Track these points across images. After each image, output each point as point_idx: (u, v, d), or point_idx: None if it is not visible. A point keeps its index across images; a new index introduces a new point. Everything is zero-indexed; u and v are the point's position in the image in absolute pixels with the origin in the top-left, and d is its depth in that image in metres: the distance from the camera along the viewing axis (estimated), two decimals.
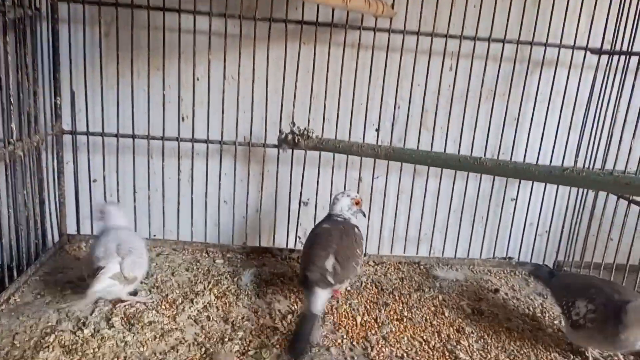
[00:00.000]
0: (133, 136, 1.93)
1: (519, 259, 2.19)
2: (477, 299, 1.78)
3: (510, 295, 1.84)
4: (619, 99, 1.86)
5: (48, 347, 1.34)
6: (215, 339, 1.43)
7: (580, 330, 1.45)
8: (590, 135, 1.99)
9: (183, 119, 1.99)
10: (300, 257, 1.74)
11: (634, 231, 1.77)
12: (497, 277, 2.00)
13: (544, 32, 1.93)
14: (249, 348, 1.41)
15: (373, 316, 1.61)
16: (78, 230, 2.01)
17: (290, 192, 2.04)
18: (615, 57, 1.90)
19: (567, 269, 2.08)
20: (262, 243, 2.13)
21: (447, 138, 2.03)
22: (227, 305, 1.61)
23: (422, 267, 2.02)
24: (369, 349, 1.45)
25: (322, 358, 1.40)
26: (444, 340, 1.52)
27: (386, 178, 2.06)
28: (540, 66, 1.98)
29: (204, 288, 1.70)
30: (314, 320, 1.45)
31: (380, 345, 1.47)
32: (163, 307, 1.56)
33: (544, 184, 2.04)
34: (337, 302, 1.67)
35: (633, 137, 1.76)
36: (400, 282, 1.86)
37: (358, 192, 1.83)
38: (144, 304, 1.57)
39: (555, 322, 1.68)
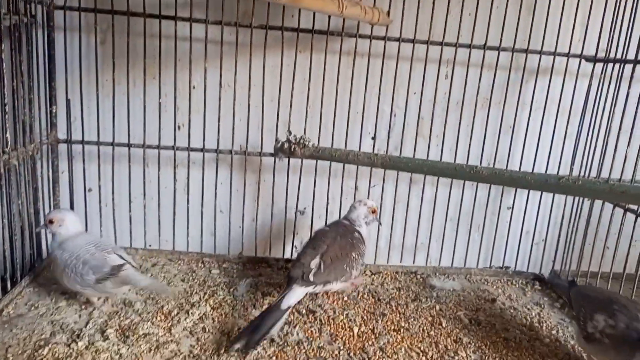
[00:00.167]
0: (129, 145, 1.92)
1: (515, 268, 2.19)
2: (475, 309, 1.78)
3: (507, 304, 1.84)
4: (614, 107, 1.87)
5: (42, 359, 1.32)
6: (211, 351, 1.42)
7: (593, 343, 1.41)
8: (586, 144, 2.00)
9: (179, 127, 1.98)
10: None
11: (630, 239, 1.76)
12: (494, 287, 1.99)
13: (538, 40, 1.94)
14: None
15: (370, 327, 1.60)
16: None
17: (286, 202, 2.04)
18: (610, 65, 1.91)
19: (564, 278, 2.07)
20: (258, 253, 2.12)
21: (443, 146, 2.04)
22: (223, 316, 1.59)
23: (419, 276, 2.02)
24: None
25: None
26: (442, 351, 1.51)
27: (382, 187, 2.06)
28: (536, 74, 1.99)
29: (200, 299, 1.68)
30: (280, 315, 1.49)
31: (377, 357, 1.45)
32: (158, 318, 1.55)
33: (540, 192, 2.03)
34: (334, 312, 1.65)
35: (628, 145, 1.76)
36: (397, 292, 1.85)
37: (370, 200, 1.84)
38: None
39: (553, 332, 1.68)
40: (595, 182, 1.41)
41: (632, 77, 1.77)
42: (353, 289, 1.77)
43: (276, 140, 1.89)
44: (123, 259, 1.56)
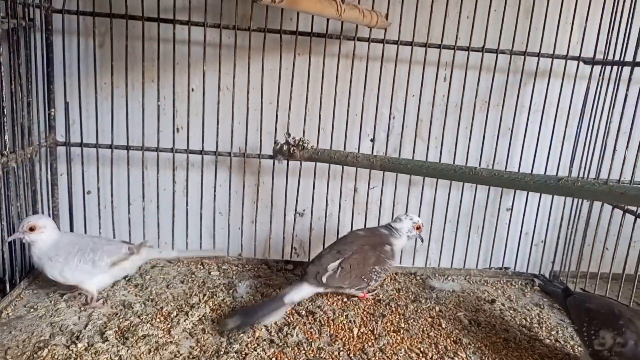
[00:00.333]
0: (127, 147, 1.92)
1: (515, 269, 2.19)
2: (474, 310, 1.78)
3: (507, 305, 1.84)
4: (612, 109, 1.88)
5: None
6: (210, 353, 1.42)
7: None
8: (585, 145, 2.00)
9: (178, 130, 1.99)
10: None
11: (629, 240, 1.77)
12: (494, 288, 1.99)
13: (537, 43, 1.95)
14: None
15: (370, 328, 1.61)
16: None
17: (285, 203, 2.04)
18: (608, 67, 1.92)
19: (564, 279, 2.08)
20: (257, 254, 2.13)
21: (442, 148, 2.04)
22: (223, 317, 1.60)
23: (418, 277, 2.02)
24: None
25: None
26: (442, 352, 1.51)
27: (382, 188, 2.06)
28: (534, 76, 2.00)
29: (199, 300, 1.69)
30: (280, 306, 1.56)
31: (377, 358, 1.46)
32: (158, 320, 1.55)
33: (539, 194, 2.04)
34: (334, 313, 1.66)
35: (627, 146, 1.77)
36: (397, 293, 1.86)
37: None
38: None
39: (552, 332, 1.68)
40: (594, 183, 1.42)
41: (630, 79, 1.78)
42: (362, 297, 1.78)
43: (275, 142, 1.90)
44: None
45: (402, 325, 1.64)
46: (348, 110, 1.95)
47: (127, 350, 1.39)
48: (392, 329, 1.61)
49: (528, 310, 1.82)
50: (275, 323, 1.58)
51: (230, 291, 1.77)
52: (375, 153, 2.01)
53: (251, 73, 1.88)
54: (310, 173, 2.00)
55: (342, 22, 1.85)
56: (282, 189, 2.02)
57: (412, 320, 1.67)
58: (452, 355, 1.50)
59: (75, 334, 1.45)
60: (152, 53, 1.87)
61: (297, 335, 1.53)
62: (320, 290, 1.68)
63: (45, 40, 1.82)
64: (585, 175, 1.99)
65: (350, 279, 1.68)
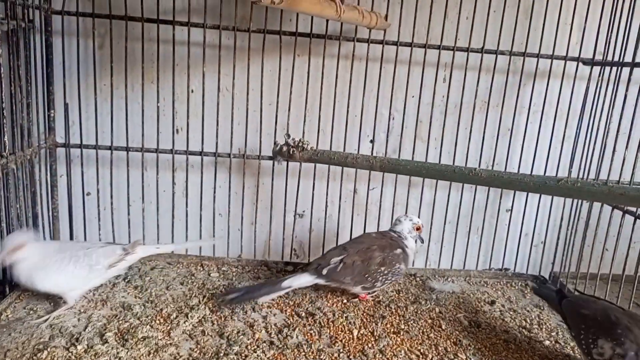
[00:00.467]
0: (127, 149, 1.92)
1: (515, 270, 2.19)
2: (474, 311, 1.78)
3: (507, 307, 1.84)
4: (612, 109, 1.87)
5: None
6: (210, 354, 1.42)
7: None
8: (584, 146, 2.00)
9: (177, 131, 1.99)
10: None
11: (629, 241, 1.77)
12: (494, 289, 1.99)
13: (536, 43, 1.95)
14: None
15: (370, 329, 1.60)
16: None
17: (285, 205, 2.04)
18: (607, 68, 1.92)
19: (564, 280, 2.08)
20: (257, 256, 2.13)
21: (441, 149, 2.04)
22: (223, 319, 1.59)
23: (418, 279, 2.02)
24: None
25: None
26: (442, 354, 1.51)
27: (381, 189, 2.06)
28: (533, 77, 2.00)
29: (199, 302, 1.68)
30: (276, 290, 1.66)
31: (377, 359, 1.46)
32: (157, 321, 1.55)
33: (538, 194, 2.03)
34: (334, 315, 1.66)
35: (626, 147, 1.77)
36: (397, 295, 1.86)
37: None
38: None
39: (553, 334, 1.68)
40: (594, 184, 1.42)
41: (629, 79, 1.77)
42: (362, 299, 1.78)
43: (275, 143, 1.90)
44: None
45: (402, 326, 1.64)
46: (347, 111, 1.95)
47: (127, 352, 1.39)
48: (392, 330, 1.61)
49: (528, 311, 1.82)
50: (275, 324, 1.58)
51: None
52: (374, 154, 2.01)
53: (251, 74, 1.89)
54: (310, 174, 2.00)
55: (342, 23, 1.85)
56: (282, 190, 2.02)
57: (412, 322, 1.67)
58: (452, 357, 1.50)
59: (75, 336, 1.44)
60: (152, 54, 1.87)
61: (297, 337, 1.52)
62: (321, 282, 1.71)
63: (44, 41, 1.82)
64: (585, 176, 1.99)
65: (353, 276, 1.69)
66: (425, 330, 1.63)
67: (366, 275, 1.71)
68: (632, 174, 1.71)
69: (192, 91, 1.94)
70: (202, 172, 1.98)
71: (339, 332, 1.57)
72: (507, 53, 1.95)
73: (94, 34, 1.82)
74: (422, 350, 1.51)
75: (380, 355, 1.47)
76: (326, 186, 2.03)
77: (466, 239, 2.14)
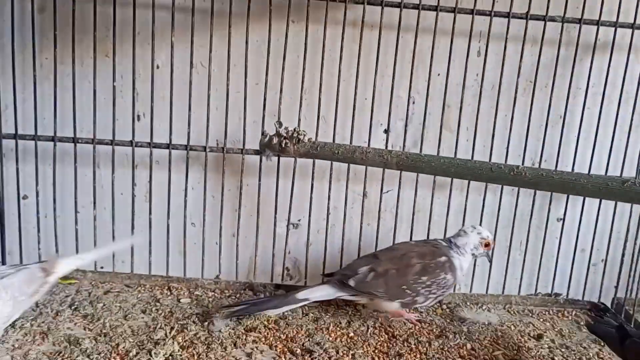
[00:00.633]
0: (75, 140, 1.92)
1: (567, 295, 2.19)
2: (516, 348, 1.78)
3: (557, 342, 1.84)
4: None
5: None
6: None
7: None
8: None
9: (139, 117, 1.99)
10: None
11: None
12: (541, 320, 1.99)
13: (595, 8, 1.95)
14: None
15: None
16: (3, 261, 1.99)
17: (275, 212, 2.04)
18: None
19: (629, 309, 2.07)
20: (239, 277, 2.12)
21: (474, 142, 2.04)
22: (196, 357, 1.59)
23: (444, 306, 2.02)
24: None
25: None
26: None
27: (398, 193, 2.06)
28: (592, 50, 1.99)
29: (166, 335, 1.68)
30: (291, 302, 1.74)
31: None
32: None
33: (598, 200, 2.04)
34: (337, 352, 1.65)
35: None
36: (417, 327, 1.85)
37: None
38: None
39: None
40: None
41: None
42: (402, 319, 1.80)
43: (263, 134, 1.90)
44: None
45: None
46: (356, 93, 1.95)
47: None
48: None
49: (584, 348, 1.82)
50: None
51: (206, 324, 1.75)
52: (390, 148, 2.01)
53: (232, 45, 1.88)
54: (308, 173, 2.00)
55: None
56: (272, 193, 2.02)
57: None
58: None
59: None
60: (107, 19, 1.86)
61: None
62: (345, 295, 1.77)
63: None
64: None
65: (387, 287, 1.72)
66: None
67: (404, 287, 1.73)
68: None
69: (158, 67, 1.93)
70: (169, 170, 1.98)
71: None
72: (559, 19, 1.94)
73: None
74: None
75: None
76: (328, 188, 2.02)
77: (506, 256, 2.13)
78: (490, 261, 1.92)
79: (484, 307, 2.03)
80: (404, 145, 2.04)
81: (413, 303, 1.77)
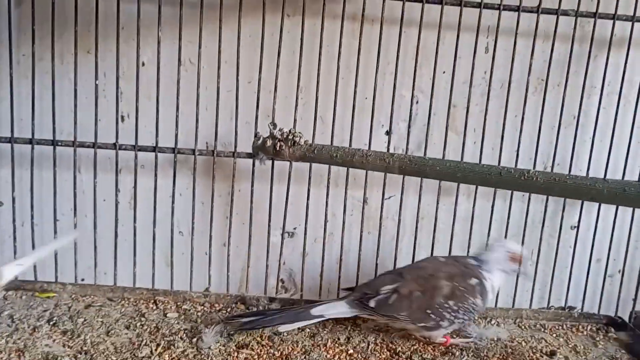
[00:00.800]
0: (54, 142, 1.91)
1: (582, 309, 2.18)
2: None
3: (572, 359, 1.83)
4: None
5: None
6: None
7: None
8: None
9: (123, 118, 1.98)
10: None
11: None
12: (554, 335, 1.98)
13: (611, 1, 1.95)
14: None
15: None
16: None
17: (269, 219, 2.03)
18: None
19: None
20: (231, 289, 2.11)
21: (482, 144, 2.03)
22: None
23: None
24: None
25: None
26: None
27: (401, 199, 2.05)
28: (608, 47, 1.99)
29: (151, 352, 1.66)
30: (303, 318, 1.74)
31: None
32: None
33: (614, 206, 2.03)
34: None
35: None
36: (421, 343, 1.84)
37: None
38: None
39: None
40: None
41: None
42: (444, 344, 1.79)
43: (256, 135, 1.89)
44: None
45: None
46: (355, 92, 1.94)
47: None
48: None
49: None
50: None
51: (194, 340, 1.74)
52: (392, 150, 2.00)
53: (223, 41, 1.88)
54: (304, 178, 1.99)
55: None
56: (266, 199, 2.01)
57: None
58: None
59: None
60: (89, 13, 1.86)
61: None
62: (365, 315, 1.78)
63: None
64: None
65: (410, 310, 1.71)
66: None
67: (428, 311, 1.71)
68: None
69: (144, 64, 1.93)
70: (156, 175, 1.97)
71: None
72: (573, 14, 1.95)
73: None
74: None
75: None
76: (325, 194, 2.02)
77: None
78: (528, 277, 1.88)
79: (492, 322, 2.02)
80: (407, 148, 2.04)
81: (436, 328, 1.74)
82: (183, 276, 2.07)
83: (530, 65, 1.98)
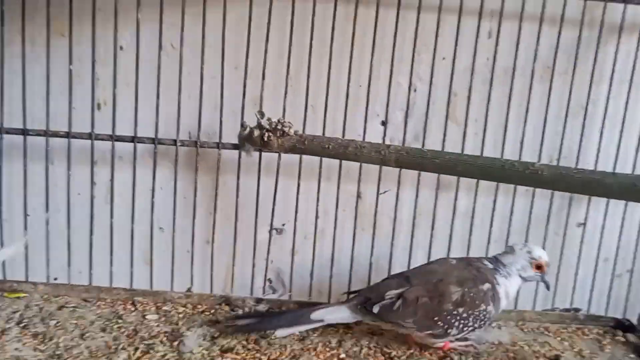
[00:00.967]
0: (24, 131, 1.90)
1: (588, 310, 2.19)
2: None
3: None
4: None
5: None
6: None
7: None
8: None
9: (99, 106, 1.97)
10: None
11: None
12: (558, 338, 1.99)
13: None
14: None
15: None
16: None
17: (256, 215, 2.03)
18: None
19: None
20: (215, 289, 2.11)
21: (484, 135, 2.03)
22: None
23: None
24: None
25: None
26: None
27: (397, 193, 2.05)
28: (618, 32, 1.99)
29: (129, 357, 1.66)
30: (303, 322, 1.76)
31: None
32: None
33: (623, 202, 2.04)
34: None
35: None
36: (417, 347, 1.85)
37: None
38: None
39: None
40: None
41: None
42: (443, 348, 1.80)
43: (242, 125, 1.88)
44: None
45: None
46: (349, 79, 1.94)
47: None
48: None
49: None
50: None
51: (175, 343, 1.74)
52: (388, 142, 2.00)
53: (207, 24, 1.87)
54: (294, 170, 1.99)
55: None
56: (253, 193, 2.01)
57: None
58: None
59: None
60: None
61: None
62: (366, 320, 1.78)
63: None
64: None
65: (416, 317, 1.71)
66: None
67: (436, 319, 1.71)
68: None
69: (122, 48, 1.92)
70: (134, 167, 1.97)
71: None
72: None
73: None
74: None
75: None
76: (317, 188, 2.02)
77: None
78: (548, 287, 1.86)
79: (493, 324, 2.02)
80: (404, 140, 2.04)
81: (444, 335, 1.74)
82: (163, 275, 2.07)
83: (536, 51, 1.98)
